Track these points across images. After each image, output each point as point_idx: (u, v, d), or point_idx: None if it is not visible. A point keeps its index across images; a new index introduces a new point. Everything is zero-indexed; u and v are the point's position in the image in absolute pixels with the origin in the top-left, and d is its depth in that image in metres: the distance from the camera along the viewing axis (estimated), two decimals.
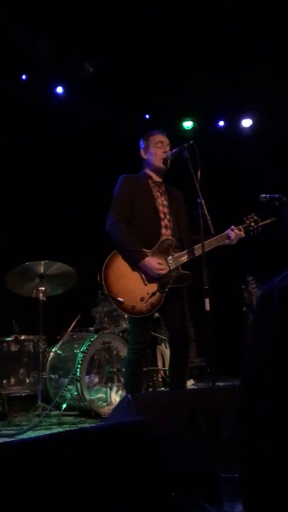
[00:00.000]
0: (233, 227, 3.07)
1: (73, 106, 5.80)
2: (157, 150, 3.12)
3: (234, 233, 3.04)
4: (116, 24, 5.13)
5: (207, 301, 2.77)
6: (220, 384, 3.48)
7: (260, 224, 3.14)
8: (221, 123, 6.67)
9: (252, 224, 3.12)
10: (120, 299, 2.83)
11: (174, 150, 3.07)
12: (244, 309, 5.49)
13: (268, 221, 3.14)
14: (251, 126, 6.49)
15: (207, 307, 2.75)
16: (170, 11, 5.08)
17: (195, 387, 4.88)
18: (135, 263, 2.90)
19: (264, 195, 3.25)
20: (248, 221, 3.13)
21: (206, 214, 2.86)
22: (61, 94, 5.75)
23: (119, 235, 2.93)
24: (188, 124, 6.46)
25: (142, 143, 3.21)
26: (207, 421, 1.96)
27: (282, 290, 1.04)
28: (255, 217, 3.15)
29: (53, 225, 5.51)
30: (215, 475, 1.63)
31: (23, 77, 5.42)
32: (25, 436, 3.17)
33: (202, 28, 5.29)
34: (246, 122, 6.50)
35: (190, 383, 4.98)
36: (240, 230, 3.07)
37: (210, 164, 3.11)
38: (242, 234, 3.08)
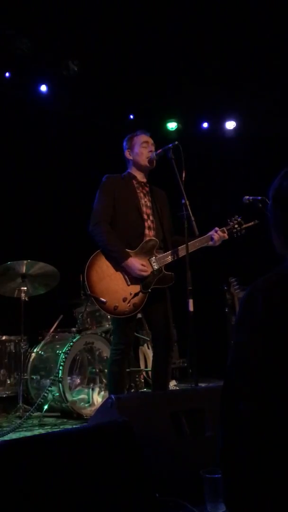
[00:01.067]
0: (217, 228, 3.08)
1: (57, 105, 5.76)
2: (142, 150, 3.11)
3: (218, 234, 3.05)
4: (101, 24, 5.12)
5: (190, 302, 2.77)
6: (202, 385, 3.49)
7: (244, 226, 3.16)
8: (205, 124, 6.70)
9: (236, 226, 3.14)
10: (103, 299, 2.82)
11: (159, 151, 3.07)
12: (226, 310, 5.52)
13: (252, 223, 3.16)
14: (235, 128, 6.54)
15: (191, 308, 2.75)
16: (155, 12, 5.09)
17: (177, 388, 4.89)
18: (118, 264, 2.89)
19: (247, 197, 3.26)
20: (232, 223, 3.15)
21: (191, 215, 2.86)
22: (45, 92, 5.71)
23: (102, 235, 2.92)
24: (172, 125, 6.48)
25: (126, 144, 3.20)
26: (190, 422, 1.96)
27: (267, 291, 1.05)
28: (239, 219, 3.17)
29: (35, 225, 5.46)
30: (198, 475, 1.63)
31: (7, 74, 5.36)
32: (6, 438, 3.13)
33: (188, 30, 5.31)
34: (230, 124, 6.55)
35: (172, 384, 4.98)
36: (223, 232, 3.09)
37: (193, 166, 3.11)
38: (226, 236, 3.10)
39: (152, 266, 2.94)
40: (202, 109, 6.53)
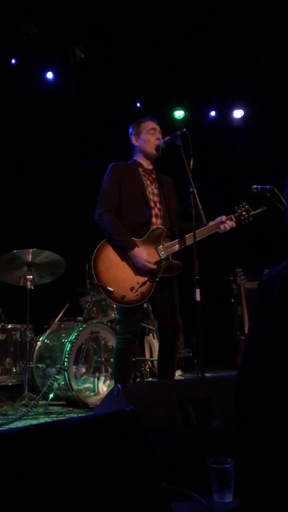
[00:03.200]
0: (224, 217, 3.04)
1: (63, 92, 5.71)
2: (149, 136, 3.06)
3: (226, 224, 3.01)
4: (108, 10, 5.05)
5: (197, 291, 2.75)
6: (208, 375, 3.48)
7: (252, 213, 3.11)
8: (213, 113, 6.63)
9: (244, 213, 3.10)
10: (110, 288, 2.80)
11: (166, 138, 3.02)
12: (232, 300, 5.51)
13: (260, 210, 3.11)
14: (243, 117, 6.46)
15: (198, 297, 2.73)
16: None
17: (182, 378, 4.89)
18: (125, 253, 2.86)
19: (255, 186, 3.22)
20: (239, 210, 3.10)
21: (198, 203, 2.83)
22: (51, 79, 5.66)
23: (108, 224, 2.89)
24: (179, 114, 6.41)
25: (132, 130, 3.15)
26: (197, 412, 1.94)
27: (285, 278, 1.02)
28: (247, 206, 3.12)
29: (41, 213, 5.44)
30: (205, 465, 1.62)
31: (13, 61, 5.31)
32: (12, 426, 3.14)
33: (195, 18, 5.23)
34: (238, 113, 6.47)
35: (177, 374, 4.97)
36: (231, 219, 3.05)
37: (201, 154, 3.07)
38: (234, 224, 3.06)
39: (159, 255, 2.91)
40: (209, 97, 6.46)
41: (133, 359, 4.51)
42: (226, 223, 3.01)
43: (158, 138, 3.06)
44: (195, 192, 2.84)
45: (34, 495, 1.05)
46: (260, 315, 1.07)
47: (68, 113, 5.74)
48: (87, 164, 5.41)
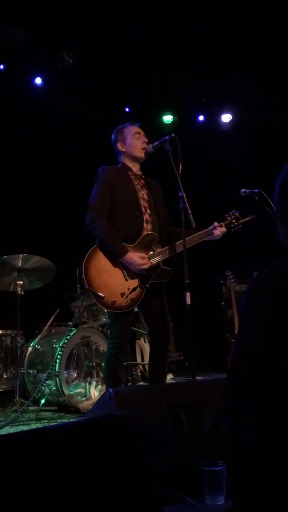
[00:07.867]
0: (216, 224, 3.06)
1: (52, 97, 5.72)
2: (136, 141, 3.06)
3: (217, 230, 3.05)
4: (96, 15, 5.07)
5: (187, 295, 2.76)
6: (199, 378, 3.49)
7: (241, 221, 3.16)
8: (201, 117, 6.67)
9: (234, 221, 3.14)
10: (101, 294, 2.80)
11: (155, 143, 3.04)
12: (222, 303, 5.52)
13: (249, 218, 3.17)
14: (231, 121, 6.51)
15: (188, 301, 2.74)
16: (150, 4, 5.04)
17: (174, 381, 4.90)
18: (116, 259, 2.87)
19: (244, 190, 3.26)
20: (229, 218, 3.14)
21: (188, 207, 2.84)
22: (39, 85, 5.66)
23: (99, 230, 2.88)
24: (168, 118, 6.44)
25: (115, 137, 3.12)
26: (188, 415, 1.95)
27: (271, 281, 1.05)
28: (236, 214, 3.16)
29: (31, 218, 5.43)
30: (197, 468, 1.63)
31: (1, 67, 5.31)
32: (2, 431, 3.12)
33: (183, 22, 5.27)
34: (226, 117, 6.52)
35: (168, 378, 4.99)
36: (221, 226, 3.08)
37: (189, 159, 3.09)
38: (225, 230, 3.09)
39: (150, 261, 2.92)
40: (198, 102, 6.50)
41: (125, 363, 4.51)
42: (218, 229, 3.04)
43: (145, 142, 3.07)
44: (185, 196, 2.86)
45: (25, 500, 1.06)
46: (248, 316, 1.09)
47: (57, 119, 5.74)
48: (77, 169, 5.42)
